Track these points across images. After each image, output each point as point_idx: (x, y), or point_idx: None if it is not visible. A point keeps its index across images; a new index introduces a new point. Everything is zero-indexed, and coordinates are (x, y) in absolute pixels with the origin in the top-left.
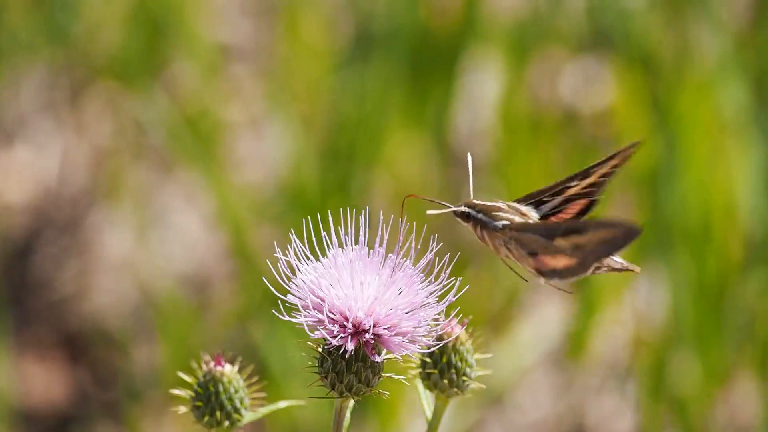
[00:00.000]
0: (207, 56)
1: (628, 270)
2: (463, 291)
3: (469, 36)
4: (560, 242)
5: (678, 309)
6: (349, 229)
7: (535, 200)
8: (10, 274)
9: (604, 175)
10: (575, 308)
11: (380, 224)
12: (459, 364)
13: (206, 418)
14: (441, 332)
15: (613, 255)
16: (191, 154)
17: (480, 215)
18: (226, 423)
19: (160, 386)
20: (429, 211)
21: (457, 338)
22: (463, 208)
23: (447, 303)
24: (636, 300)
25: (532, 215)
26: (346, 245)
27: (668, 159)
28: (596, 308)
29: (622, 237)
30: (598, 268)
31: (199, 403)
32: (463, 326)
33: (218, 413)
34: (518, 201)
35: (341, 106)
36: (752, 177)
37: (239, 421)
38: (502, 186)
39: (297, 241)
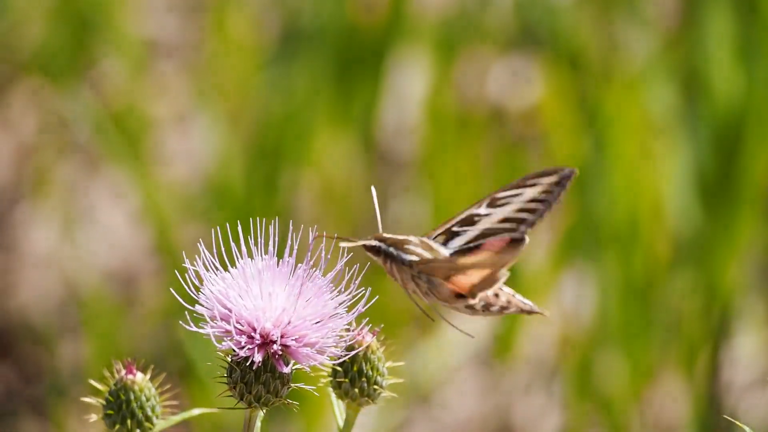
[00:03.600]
0: (133, 52)
1: (536, 313)
2: (373, 301)
3: (396, 33)
4: (465, 259)
5: (605, 308)
6: (259, 239)
7: (444, 231)
8: None
9: (534, 200)
10: None
11: (290, 234)
12: (370, 372)
13: (117, 427)
14: (351, 342)
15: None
16: (117, 151)
17: (390, 249)
18: (137, 431)
19: (85, 382)
20: (341, 243)
21: (368, 347)
22: (373, 242)
23: (356, 313)
24: (563, 299)
25: (442, 252)
26: (256, 255)
27: (595, 158)
28: None
29: (556, 184)
30: (505, 308)
31: (110, 412)
32: (374, 335)
33: (129, 422)
34: (429, 235)
35: (268, 104)
36: (679, 177)
37: (150, 429)
38: (429, 184)
39: (206, 252)
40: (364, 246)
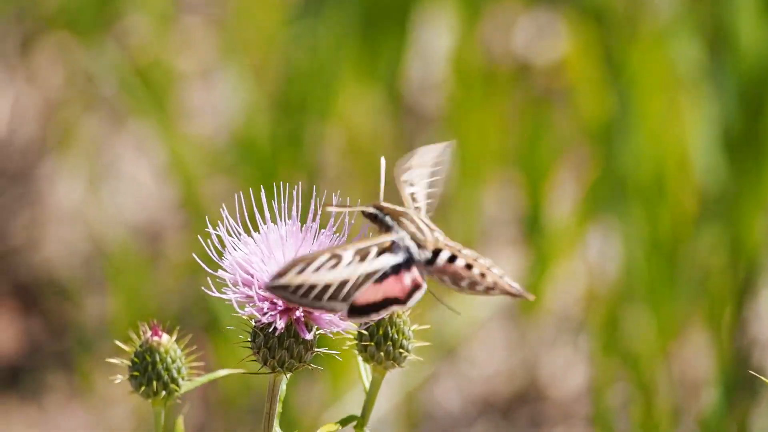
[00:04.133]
0: (159, 6)
1: (521, 296)
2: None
3: None
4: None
5: (631, 263)
6: (283, 204)
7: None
8: None
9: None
10: (528, 261)
11: (313, 197)
12: (395, 336)
13: (143, 389)
14: None
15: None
16: (143, 106)
17: (386, 218)
18: (163, 393)
19: (110, 337)
20: (330, 209)
21: None
22: (370, 209)
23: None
24: (589, 254)
25: (430, 235)
26: (280, 221)
27: (621, 113)
28: (550, 262)
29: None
30: (490, 289)
31: (135, 373)
32: None
33: (155, 383)
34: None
35: (294, 58)
36: (705, 131)
37: (176, 391)
38: (455, 138)
39: (229, 217)
40: (362, 212)
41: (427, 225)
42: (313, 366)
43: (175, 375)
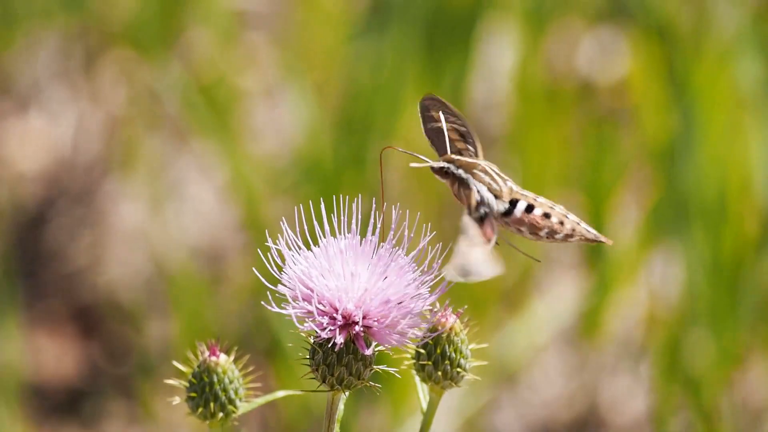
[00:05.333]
0: (222, 23)
1: (599, 241)
2: (454, 282)
3: (485, 4)
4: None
5: (693, 287)
6: (342, 218)
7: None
8: (22, 244)
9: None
10: (590, 286)
11: (373, 212)
12: (453, 355)
13: (200, 410)
14: (434, 323)
15: None
16: (206, 124)
17: (459, 171)
18: (220, 414)
19: (172, 361)
20: (411, 164)
21: (451, 328)
22: (441, 164)
23: (439, 294)
24: (651, 278)
25: (501, 181)
26: (339, 235)
27: (685, 133)
28: (611, 286)
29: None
30: (569, 236)
31: (193, 394)
32: (458, 316)
33: (212, 404)
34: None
35: (357, 76)
36: None
37: (234, 412)
38: (518, 157)
39: (289, 230)
40: (432, 168)
41: (498, 174)
42: (371, 384)
43: (233, 396)
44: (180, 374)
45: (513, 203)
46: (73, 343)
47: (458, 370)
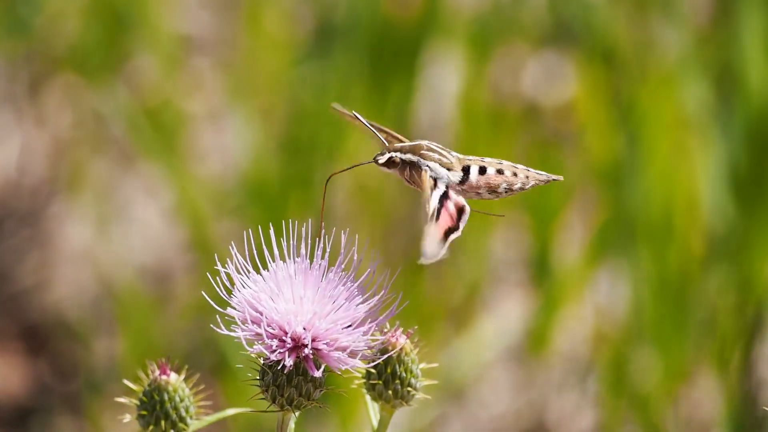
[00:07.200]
0: (168, 48)
1: (553, 180)
2: (405, 304)
3: (430, 29)
4: None
5: (639, 304)
6: (291, 242)
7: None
8: None
9: None
10: (536, 303)
11: (322, 236)
12: (404, 374)
13: (151, 428)
14: (384, 345)
15: None
16: (152, 147)
17: (407, 155)
18: None
19: (120, 379)
20: (352, 166)
21: (402, 349)
22: (387, 155)
23: (388, 317)
24: (597, 296)
25: (446, 153)
26: (288, 258)
27: (630, 154)
28: (558, 304)
29: None
30: (525, 186)
31: (143, 413)
32: (408, 336)
33: (163, 422)
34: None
35: (302, 99)
36: (714, 173)
37: (184, 430)
38: None
39: (238, 255)
40: (378, 162)
41: (442, 148)
42: (321, 405)
43: (183, 414)
44: (130, 392)
45: (465, 171)
46: (20, 361)
47: (409, 389)
